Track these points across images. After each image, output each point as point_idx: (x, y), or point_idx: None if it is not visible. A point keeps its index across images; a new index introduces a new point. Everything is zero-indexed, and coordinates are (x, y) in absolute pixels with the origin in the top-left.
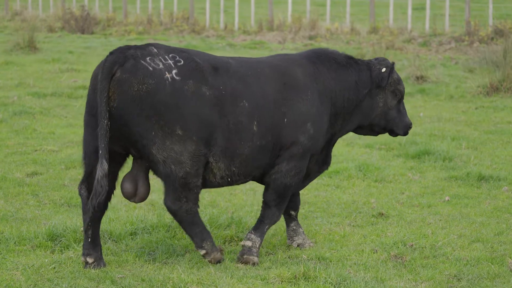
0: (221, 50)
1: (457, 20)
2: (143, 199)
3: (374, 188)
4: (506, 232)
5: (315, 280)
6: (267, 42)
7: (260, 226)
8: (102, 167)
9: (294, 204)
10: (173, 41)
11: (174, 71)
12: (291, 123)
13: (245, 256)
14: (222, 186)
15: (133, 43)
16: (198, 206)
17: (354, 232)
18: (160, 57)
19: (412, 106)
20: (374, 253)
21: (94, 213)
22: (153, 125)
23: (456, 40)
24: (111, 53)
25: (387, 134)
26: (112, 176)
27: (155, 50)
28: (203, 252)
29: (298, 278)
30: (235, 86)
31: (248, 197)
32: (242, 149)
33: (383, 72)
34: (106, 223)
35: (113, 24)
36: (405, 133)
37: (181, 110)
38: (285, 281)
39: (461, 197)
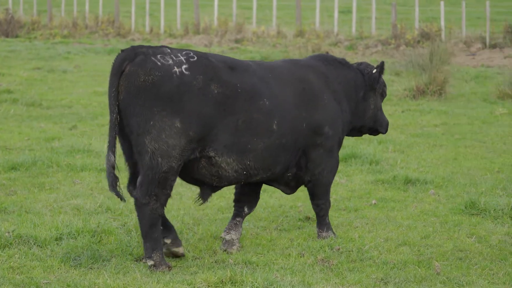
0: None
1: (383, 23)
2: None
3: (301, 192)
4: (432, 235)
5: (242, 285)
6: (193, 45)
7: (323, 222)
8: (109, 159)
9: (251, 202)
10: (99, 45)
11: (184, 66)
12: (309, 128)
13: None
14: (241, 180)
15: (58, 47)
16: (163, 212)
17: (281, 236)
18: (172, 55)
19: None
20: (301, 257)
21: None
22: (154, 115)
23: (383, 43)
24: (122, 50)
25: None
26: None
27: (168, 50)
28: (150, 263)
29: (225, 283)
30: (256, 85)
31: (174, 201)
32: (255, 145)
33: (374, 73)
34: (30, 228)
35: (38, 27)
36: (386, 131)
37: (185, 104)
38: (211, 285)
39: (388, 200)
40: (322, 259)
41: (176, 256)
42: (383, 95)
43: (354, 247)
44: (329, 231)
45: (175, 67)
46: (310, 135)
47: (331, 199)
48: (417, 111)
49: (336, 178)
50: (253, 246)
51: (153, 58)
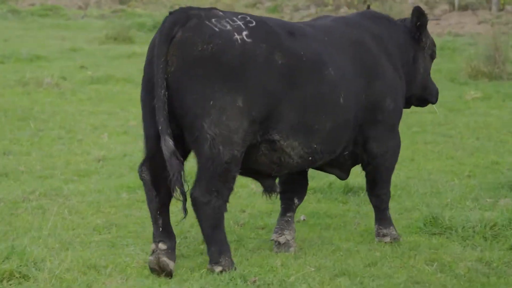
0: (0, 19)
1: None
2: None
3: None
4: (380, 262)
5: None
6: (63, 7)
7: (383, 216)
8: (167, 144)
9: (300, 191)
10: None
11: (244, 33)
12: (369, 101)
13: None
14: (303, 167)
15: None
16: (226, 209)
17: (178, 264)
18: (227, 19)
19: None
20: None
21: (162, 200)
22: (214, 93)
23: (317, 4)
24: (170, 13)
25: None
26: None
27: (221, 13)
28: (218, 268)
29: None
30: (319, 52)
31: (35, 217)
32: (324, 123)
33: (418, 24)
34: None
35: None
36: (437, 100)
37: (249, 78)
38: None
39: (322, 215)
40: None
41: (162, 270)
42: (432, 56)
43: (276, 279)
44: (391, 227)
45: (236, 34)
46: (370, 109)
47: (245, 215)
48: None
49: (253, 185)
50: (140, 277)
51: (208, 23)
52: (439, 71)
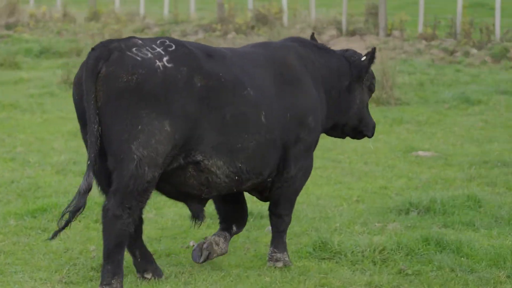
0: None
1: (206, 2)
2: None
3: (94, 231)
4: (270, 287)
5: None
6: None
7: (280, 239)
8: (88, 180)
9: (239, 219)
10: None
11: (165, 58)
12: (293, 118)
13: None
14: (232, 187)
15: None
16: (132, 229)
17: None
18: (147, 47)
19: None
20: None
21: (133, 234)
22: (142, 119)
23: (206, 29)
24: (93, 49)
25: None
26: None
27: (140, 41)
28: None
29: None
30: (237, 73)
31: None
32: (246, 142)
33: (363, 61)
34: None
35: None
36: (373, 134)
37: (172, 102)
38: None
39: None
40: None
41: None
42: (371, 88)
43: None
44: (285, 253)
45: (157, 61)
46: (294, 127)
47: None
48: None
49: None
50: None
51: (129, 53)
52: None
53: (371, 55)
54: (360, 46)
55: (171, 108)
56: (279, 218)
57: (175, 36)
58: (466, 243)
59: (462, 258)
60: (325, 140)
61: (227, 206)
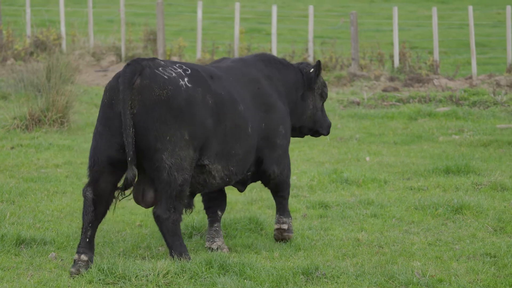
0: None
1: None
2: (150, 205)
3: None
4: None
5: None
6: None
7: (285, 207)
8: (134, 172)
9: (221, 204)
10: None
11: (186, 79)
12: (268, 128)
13: (285, 234)
14: (222, 186)
15: None
16: (182, 219)
17: None
18: (170, 67)
19: None
20: None
21: (95, 219)
22: (169, 130)
23: None
24: (128, 64)
25: None
26: (112, 187)
27: (163, 62)
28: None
29: None
30: (231, 91)
31: None
32: (238, 150)
33: (311, 72)
34: None
35: None
36: (328, 132)
37: (192, 116)
38: None
39: None
40: None
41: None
42: (322, 95)
43: None
44: (289, 218)
45: (180, 80)
46: (269, 136)
47: None
48: (32, 146)
49: None
50: None
51: (157, 72)
52: None
53: (318, 67)
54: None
55: (191, 120)
56: (282, 198)
57: None
58: (248, 265)
59: (246, 280)
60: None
61: (211, 194)
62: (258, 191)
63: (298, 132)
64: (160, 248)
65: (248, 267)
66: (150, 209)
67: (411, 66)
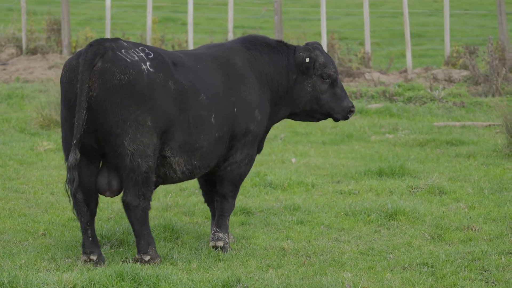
0: None
1: None
2: (117, 193)
3: None
4: None
5: None
6: None
7: (223, 221)
8: (75, 156)
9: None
10: None
11: (148, 63)
12: (241, 113)
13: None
14: (183, 180)
15: None
16: (150, 207)
17: None
18: (132, 50)
19: None
20: None
21: (91, 216)
22: (130, 115)
23: None
24: (90, 44)
25: None
26: (94, 177)
27: (125, 43)
28: (147, 258)
29: None
30: (193, 80)
31: None
32: (202, 142)
33: (307, 62)
34: None
35: None
36: (345, 117)
37: (154, 102)
38: None
39: None
40: None
41: None
42: (323, 76)
43: None
44: (227, 234)
45: (142, 64)
46: (243, 121)
47: None
48: None
49: None
50: None
51: (119, 54)
52: (7, 121)
53: (315, 59)
54: (42, 65)
55: (153, 106)
56: (224, 199)
57: None
58: (163, 277)
59: None
60: (4, 169)
61: (211, 189)
62: (173, 196)
63: (306, 115)
64: (66, 259)
65: (163, 280)
66: (55, 216)
67: (340, 59)
